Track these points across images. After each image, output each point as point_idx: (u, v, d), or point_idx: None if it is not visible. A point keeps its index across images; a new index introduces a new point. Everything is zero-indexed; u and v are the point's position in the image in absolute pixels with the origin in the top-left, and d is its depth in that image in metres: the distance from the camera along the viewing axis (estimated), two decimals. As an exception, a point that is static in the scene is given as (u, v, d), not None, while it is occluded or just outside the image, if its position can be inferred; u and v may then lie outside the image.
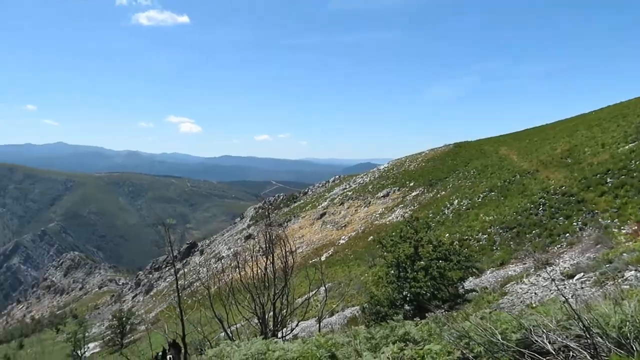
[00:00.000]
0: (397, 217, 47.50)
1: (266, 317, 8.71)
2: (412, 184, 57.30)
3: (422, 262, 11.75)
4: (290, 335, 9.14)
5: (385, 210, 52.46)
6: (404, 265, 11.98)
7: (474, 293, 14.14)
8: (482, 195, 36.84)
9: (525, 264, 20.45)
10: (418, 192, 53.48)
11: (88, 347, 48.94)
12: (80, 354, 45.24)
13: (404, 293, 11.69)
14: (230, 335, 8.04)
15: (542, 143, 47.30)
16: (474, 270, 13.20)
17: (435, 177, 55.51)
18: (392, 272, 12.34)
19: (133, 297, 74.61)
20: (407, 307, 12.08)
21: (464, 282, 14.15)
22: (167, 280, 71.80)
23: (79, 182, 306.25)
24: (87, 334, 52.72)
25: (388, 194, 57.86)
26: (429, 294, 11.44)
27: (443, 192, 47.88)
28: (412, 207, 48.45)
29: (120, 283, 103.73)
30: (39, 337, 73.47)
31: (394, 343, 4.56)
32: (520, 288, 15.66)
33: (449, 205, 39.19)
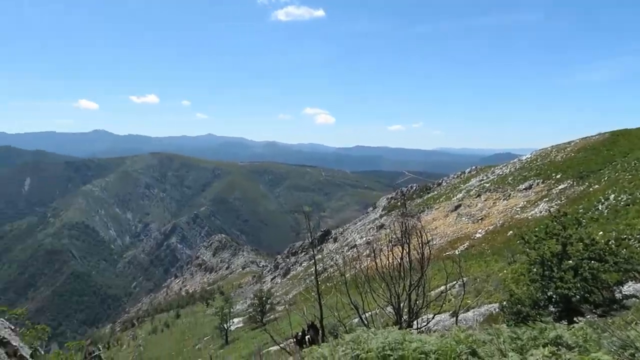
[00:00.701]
0: (540, 212, 44.01)
1: (401, 306, 8.66)
2: (558, 176, 52.58)
3: (571, 262, 10.71)
4: (425, 327, 8.99)
5: (527, 204, 48.90)
6: (549, 263, 11.04)
7: (634, 299, 12.60)
8: (645, 190, 32.53)
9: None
10: (566, 185, 48.91)
11: (233, 322, 53.41)
12: (226, 327, 49.59)
13: (549, 293, 10.78)
14: (366, 322, 8.15)
15: None
16: (636, 274, 11.71)
17: (587, 169, 50.22)
18: (535, 270, 11.45)
19: (272, 279, 79.52)
20: (551, 308, 11.14)
21: (622, 286, 12.64)
22: (303, 265, 75.18)
23: (225, 171, 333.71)
24: (232, 310, 57.49)
25: (530, 187, 53.81)
26: (578, 297, 10.41)
27: (596, 186, 43.18)
28: (559, 202, 44.47)
29: (261, 265, 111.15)
30: (192, 309, 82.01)
31: (544, 346, 4.23)
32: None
33: (603, 201, 35.23)
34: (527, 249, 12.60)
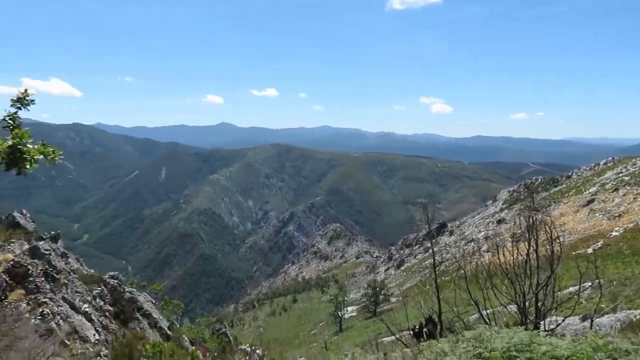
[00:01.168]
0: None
1: (526, 306, 8.13)
2: None
3: None
4: (554, 330, 8.35)
5: (678, 200, 43.15)
6: None
7: None
8: None
9: None
10: None
11: (347, 310, 54.34)
12: (340, 315, 50.60)
13: None
14: (487, 319, 7.77)
15: None
16: None
17: None
18: None
19: (385, 270, 79.36)
20: None
21: None
22: (417, 257, 73.99)
23: (340, 162, 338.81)
24: (345, 298, 58.49)
25: (682, 181, 47.39)
26: None
27: None
28: None
29: (374, 255, 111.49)
30: (308, 295, 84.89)
31: None
32: None
33: None
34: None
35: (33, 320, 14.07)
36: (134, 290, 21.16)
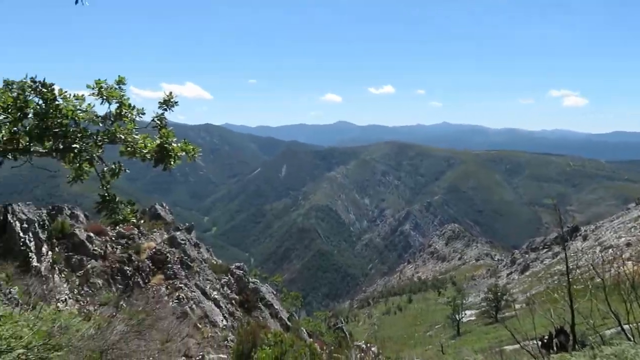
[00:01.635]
0: None
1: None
2: None
3: None
4: None
5: None
6: None
7: None
8: None
9: None
10: None
11: (465, 314, 52.31)
12: (458, 318, 48.86)
13: None
14: (630, 335, 6.97)
15: None
16: None
17: None
18: None
19: (508, 275, 74.98)
20: None
21: None
22: (545, 262, 68.84)
23: (459, 159, 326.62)
24: (464, 301, 56.30)
25: None
26: None
27: None
28: None
29: (496, 258, 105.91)
30: (424, 295, 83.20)
31: None
32: None
33: None
34: None
35: (171, 303, 15.58)
36: (257, 281, 22.47)
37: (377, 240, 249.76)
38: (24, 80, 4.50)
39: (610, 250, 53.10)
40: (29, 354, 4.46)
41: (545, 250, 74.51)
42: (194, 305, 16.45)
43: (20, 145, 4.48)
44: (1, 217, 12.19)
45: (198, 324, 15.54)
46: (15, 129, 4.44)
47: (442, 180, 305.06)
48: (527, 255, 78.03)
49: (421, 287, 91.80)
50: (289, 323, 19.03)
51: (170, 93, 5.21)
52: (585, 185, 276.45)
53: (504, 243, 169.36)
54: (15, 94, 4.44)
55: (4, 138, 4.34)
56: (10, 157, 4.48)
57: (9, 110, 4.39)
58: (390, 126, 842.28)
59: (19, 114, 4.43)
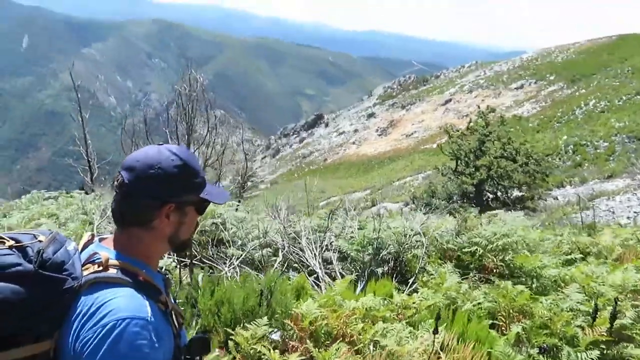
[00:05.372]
0: (524, 112, 44.60)
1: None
2: (552, 78, 52.24)
3: (486, 159, 11.56)
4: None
5: (514, 104, 49.22)
6: (466, 159, 11.92)
7: (548, 201, 13.79)
8: (624, 98, 32.91)
9: (635, 180, 18.91)
10: (556, 87, 48.87)
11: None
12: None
13: (451, 188, 11.80)
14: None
15: None
16: (544, 177, 12.53)
17: (580, 73, 49.77)
18: (450, 165, 12.41)
19: (262, 159, 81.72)
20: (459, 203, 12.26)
21: (540, 189, 13.58)
22: (292, 146, 76.90)
23: (227, 45, 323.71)
24: (222, 184, 60.10)
25: (522, 86, 53.67)
26: (472, 191, 11.43)
27: (583, 90, 43.31)
28: (544, 103, 44.89)
29: (256, 144, 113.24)
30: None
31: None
32: (606, 205, 14.78)
33: (582, 106, 35.76)
34: (450, 144, 13.38)
35: None
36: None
37: (140, 126, 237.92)
38: None
39: (343, 135, 62.48)
40: None
41: (295, 136, 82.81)
42: None
43: None
44: None
45: None
46: None
47: (210, 65, 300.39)
48: (279, 141, 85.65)
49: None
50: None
51: None
52: (339, 78, 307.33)
53: (267, 130, 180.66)
54: None
55: None
56: None
57: None
58: (155, 2, 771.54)
59: None
